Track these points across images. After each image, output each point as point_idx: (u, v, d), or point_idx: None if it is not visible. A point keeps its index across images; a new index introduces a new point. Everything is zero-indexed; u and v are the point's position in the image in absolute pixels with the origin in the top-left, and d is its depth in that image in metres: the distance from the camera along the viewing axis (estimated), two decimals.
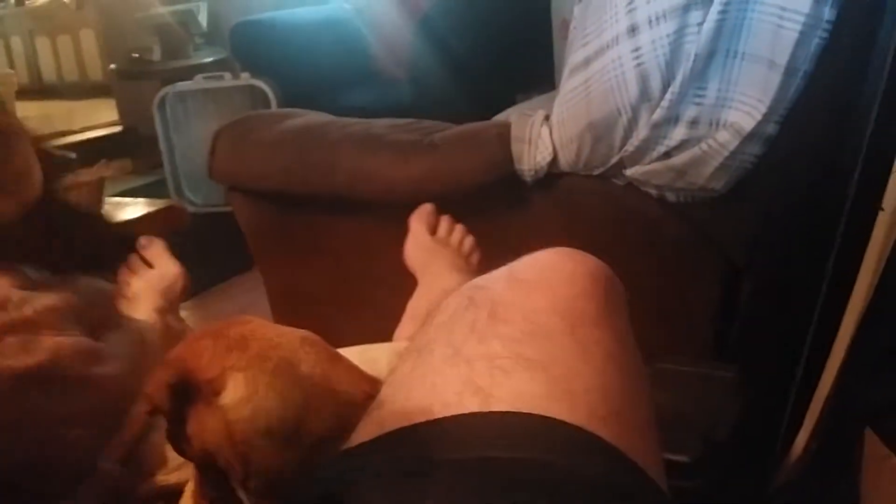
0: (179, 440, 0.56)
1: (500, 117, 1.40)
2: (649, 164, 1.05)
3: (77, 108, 5.47)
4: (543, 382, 0.42)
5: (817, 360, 1.02)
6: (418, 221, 1.07)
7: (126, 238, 1.12)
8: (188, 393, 0.54)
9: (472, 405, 0.41)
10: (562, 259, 0.53)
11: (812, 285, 1.02)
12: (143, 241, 1.09)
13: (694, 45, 0.97)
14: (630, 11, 1.00)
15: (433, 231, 1.06)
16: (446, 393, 0.43)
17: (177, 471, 0.73)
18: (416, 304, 0.97)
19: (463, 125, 1.25)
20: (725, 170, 1.00)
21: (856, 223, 0.95)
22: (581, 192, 1.14)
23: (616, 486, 0.38)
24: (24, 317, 0.69)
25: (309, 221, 1.35)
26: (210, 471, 0.56)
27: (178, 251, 1.13)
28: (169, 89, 2.97)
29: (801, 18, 0.93)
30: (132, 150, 4.18)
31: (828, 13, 0.93)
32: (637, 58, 1.00)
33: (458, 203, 1.20)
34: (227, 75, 2.94)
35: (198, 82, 2.94)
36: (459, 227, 1.07)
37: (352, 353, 0.60)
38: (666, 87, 1.00)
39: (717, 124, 0.99)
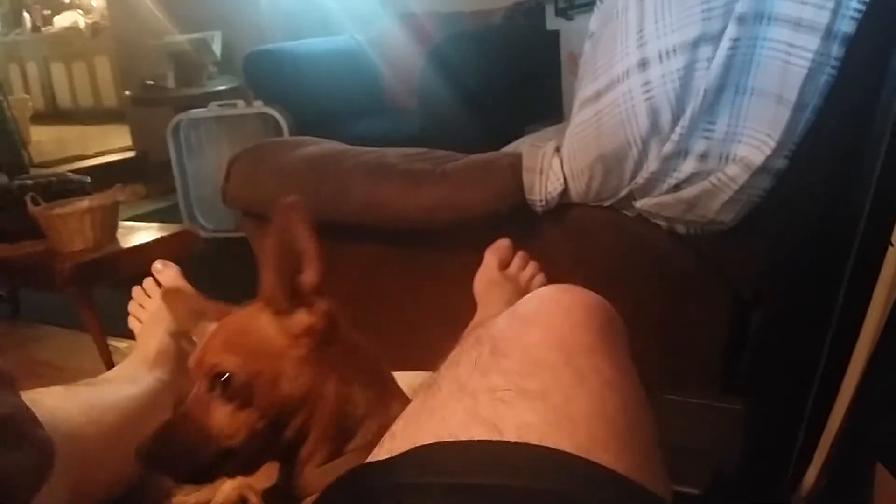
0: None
1: (510, 148, 1.42)
2: (659, 196, 1.06)
3: (91, 133, 5.54)
4: (543, 412, 0.44)
5: (827, 393, 1.02)
6: (492, 254, 1.11)
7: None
8: None
9: (478, 435, 0.42)
10: (557, 294, 0.54)
11: (821, 319, 1.02)
12: (157, 265, 1.11)
13: (704, 79, 0.98)
14: (640, 46, 1.02)
15: (506, 265, 1.09)
16: (453, 425, 0.44)
17: (195, 492, 0.74)
18: (467, 335, 1.00)
19: (474, 155, 1.27)
20: (735, 203, 1.01)
21: (866, 258, 0.95)
22: (591, 222, 1.15)
23: None
24: None
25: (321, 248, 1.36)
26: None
27: (190, 276, 1.14)
28: (183, 116, 3.01)
29: (810, 55, 0.94)
30: (144, 176, 4.24)
31: (836, 50, 0.94)
32: (647, 91, 1.01)
33: (469, 232, 1.22)
34: (241, 103, 2.98)
35: (211, 109, 2.98)
36: (532, 265, 1.10)
37: None
38: (676, 120, 1.01)
39: (727, 158, 1.01)
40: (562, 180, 1.14)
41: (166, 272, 1.09)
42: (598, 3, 1.15)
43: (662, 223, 1.10)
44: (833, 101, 0.96)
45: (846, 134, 0.98)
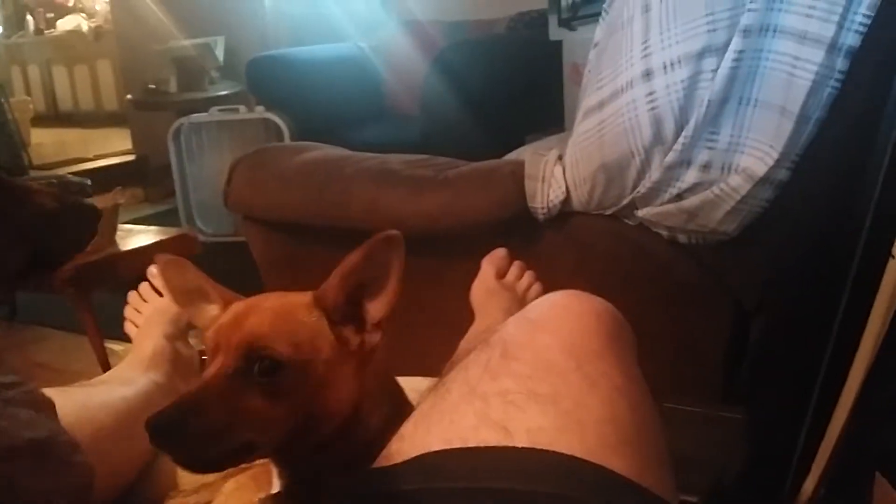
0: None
1: (512, 156, 1.42)
2: (661, 205, 1.07)
3: (91, 136, 5.54)
4: (554, 415, 0.44)
5: (827, 403, 1.02)
6: (489, 263, 1.12)
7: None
8: None
9: (489, 437, 0.42)
10: (567, 300, 0.55)
11: (822, 329, 1.02)
12: (153, 269, 1.10)
13: (707, 90, 0.99)
14: (645, 56, 1.02)
15: (502, 274, 1.10)
16: (463, 427, 0.44)
17: (194, 494, 0.74)
18: (465, 344, 1.01)
19: (476, 163, 1.27)
20: (737, 213, 1.01)
21: (867, 269, 0.96)
22: (593, 231, 1.16)
23: None
24: None
25: (321, 253, 1.36)
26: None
27: None
28: (184, 120, 3.02)
29: (814, 68, 0.95)
30: (144, 179, 4.24)
31: (840, 63, 0.95)
32: (651, 102, 1.02)
33: (470, 239, 1.22)
34: (242, 108, 2.98)
35: (213, 114, 2.99)
36: (529, 275, 1.11)
37: None
38: (679, 131, 1.01)
39: (729, 169, 1.01)
40: (564, 188, 1.14)
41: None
42: (604, 13, 1.15)
43: (664, 233, 1.10)
44: (836, 114, 0.97)
45: (849, 146, 0.98)
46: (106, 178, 3.27)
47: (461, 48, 2.82)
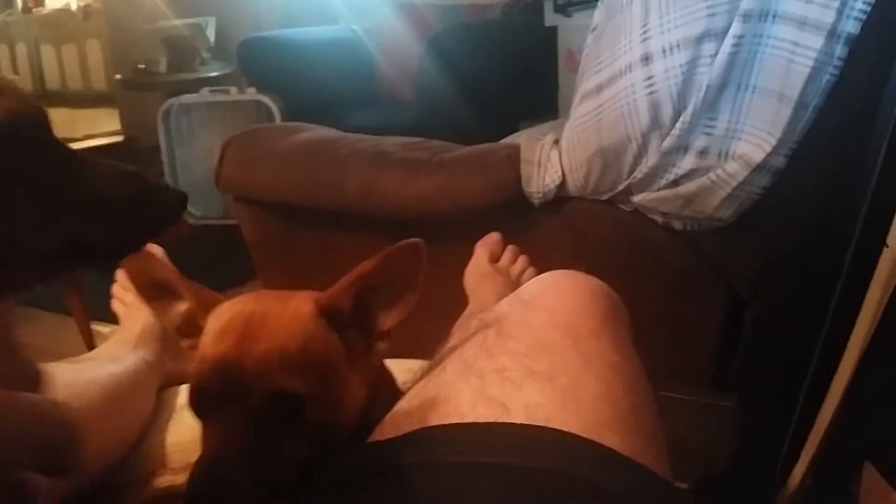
0: None
1: (508, 140, 1.41)
2: (657, 191, 1.06)
3: (79, 116, 5.48)
4: (551, 392, 0.44)
5: (817, 392, 1.03)
6: (482, 247, 1.11)
7: None
8: None
9: (487, 413, 0.42)
10: (561, 279, 0.55)
11: (815, 318, 1.02)
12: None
13: (706, 76, 0.98)
14: (644, 41, 1.02)
15: (496, 258, 1.09)
16: (460, 403, 0.44)
17: (184, 471, 0.72)
18: (460, 325, 1.00)
19: (472, 146, 1.26)
20: (733, 200, 1.01)
21: (861, 259, 0.96)
22: (588, 216, 1.15)
23: (646, 498, 0.39)
24: None
25: (314, 235, 1.36)
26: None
27: (176, 261, 1.13)
28: (174, 101, 2.99)
29: (814, 54, 0.94)
30: (132, 161, 4.17)
31: (839, 50, 0.94)
32: (650, 86, 1.01)
33: (465, 223, 1.21)
34: (233, 89, 2.96)
35: (204, 95, 2.96)
36: (522, 259, 1.10)
37: None
38: (677, 116, 1.01)
39: (727, 155, 1.00)
40: (560, 173, 1.13)
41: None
42: None
43: (659, 219, 1.10)
44: (834, 102, 0.96)
45: (846, 134, 0.98)
46: None
47: (455, 32, 2.80)
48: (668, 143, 1.02)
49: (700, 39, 0.98)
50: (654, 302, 1.11)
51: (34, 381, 0.64)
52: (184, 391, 0.89)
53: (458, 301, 1.11)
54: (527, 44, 2.83)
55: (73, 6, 6.06)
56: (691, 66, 0.99)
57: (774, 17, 0.97)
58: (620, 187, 1.09)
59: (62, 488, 0.62)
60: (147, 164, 3.96)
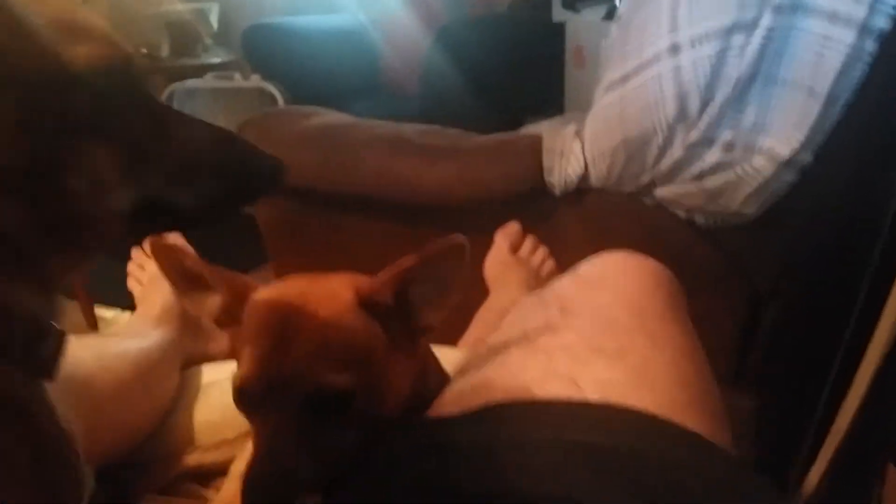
0: None
1: (533, 128, 1.40)
2: (681, 184, 1.05)
3: None
4: (622, 371, 0.43)
5: (838, 392, 1.02)
6: (502, 237, 1.11)
7: None
8: None
9: (557, 390, 0.41)
10: (624, 260, 0.54)
11: (837, 316, 1.02)
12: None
13: (735, 68, 0.97)
14: (673, 31, 1.01)
15: (516, 248, 1.08)
16: (527, 380, 0.43)
17: (215, 450, 0.71)
18: (483, 315, 1.00)
19: (492, 134, 1.25)
20: (759, 195, 1.00)
21: (887, 257, 0.95)
22: (609, 208, 1.14)
23: (730, 483, 0.38)
24: None
25: (329, 220, 1.34)
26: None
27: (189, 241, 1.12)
28: (178, 86, 2.96)
29: (845, 49, 0.94)
30: None
31: (870, 45, 0.94)
32: (677, 77, 1.00)
33: (482, 211, 1.20)
34: (237, 76, 2.94)
35: (207, 80, 2.94)
36: (542, 250, 1.09)
37: None
38: (704, 108, 1.00)
39: (752, 149, 1.00)
40: (582, 163, 1.12)
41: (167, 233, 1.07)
42: None
43: (682, 213, 1.09)
44: (863, 97, 0.96)
45: (874, 131, 0.98)
46: None
47: (463, 26, 2.79)
48: (693, 135, 1.01)
49: (730, 31, 0.97)
50: None
51: None
52: (207, 370, 0.88)
53: (476, 288, 1.10)
54: (534, 39, 2.82)
55: None
56: (720, 57, 0.98)
57: (805, 10, 0.96)
58: (644, 180, 1.08)
59: None
60: None
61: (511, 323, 0.51)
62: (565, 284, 0.51)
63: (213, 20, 3.65)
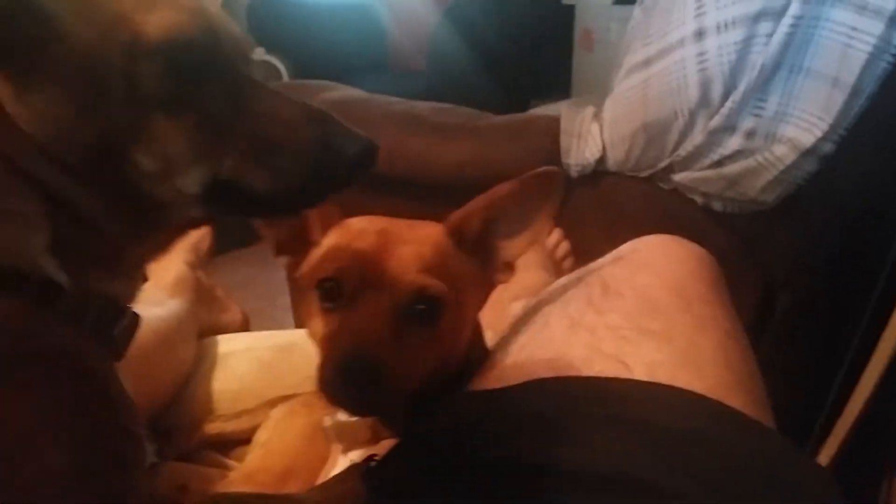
0: None
1: (539, 111, 1.40)
2: (700, 170, 1.05)
3: None
4: (669, 352, 0.43)
5: (848, 382, 1.03)
6: None
7: None
8: None
9: (604, 369, 0.41)
10: (668, 242, 0.54)
11: (851, 307, 1.02)
12: None
13: (761, 55, 0.97)
14: (699, 16, 1.00)
15: None
16: (573, 356, 0.43)
17: (235, 419, 0.71)
18: (499, 294, 0.99)
19: (509, 114, 1.24)
20: (779, 183, 1.00)
21: None
22: (625, 192, 1.14)
23: (782, 464, 0.38)
24: None
25: (340, 197, 1.33)
26: None
27: None
28: None
29: (872, 41, 0.93)
30: None
31: None
32: (701, 62, 1.00)
33: None
34: None
35: None
36: (558, 231, 1.09)
37: None
38: (727, 94, 0.99)
39: (774, 138, 0.99)
40: (600, 146, 1.12)
41: None
42: None
43: (699, 199, 1.09)
44: (888, 89, 0.95)
45: None
46: None
47: (472, 5, 2.77)
48: (715, 121, 1.00)
49: (757, 18, 0.97)
50: None
51: None
52: (223, 341, 0.87)
53: None
54: (543, 21, 2.81)
55: None
56: (746, 44, 0.97)
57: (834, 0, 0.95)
58: (662, 164, 1.08)
59: None
60: None
61: (548, 301, 0.51)
62: (606, 265, 0.51)
63: None
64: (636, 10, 1.15)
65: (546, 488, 0.35)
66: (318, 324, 0.55)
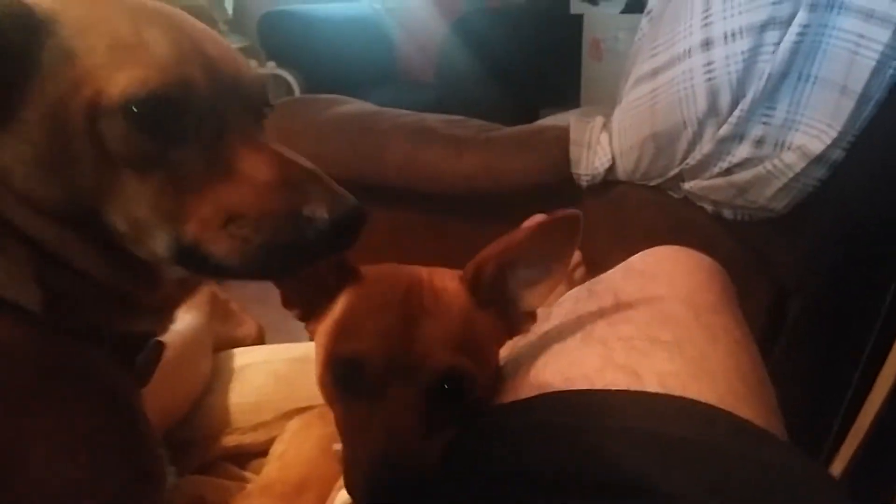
0: None
1: (548, 121, 1.40)
2: (709, 179, 1.06)
3: None
4: (681, 363, 0.43)
5: (861, 389, 1.02)
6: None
7: None
8: None
9: (617, 380, 0.42)
10: (677, 254, 0.54)
11: (862, 315, 1.02)
12: None
13: (768, 64, 0.97)
14: (706, 25, 1.01)
15: None
16: (585, 368, 0.43)
17: (252, 432, 0.72)
18: None
19: (519, 126, 1.25)
20: (788, 191, 1.01)
21: None
22: (634, 201, 1.14)
23: (794, 475, 0.38)
24: None
25: None
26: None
27: None
28: None
29: (879, 48, 0.93)
30: None
31: None
32: (709, 72, 1.00)
33: (508, 202, 1.20)
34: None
35: None
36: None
37: None
38: (735, 103, 1.00)
39: (783, 145, 1.00)
40: (609, 156, 1.12)
41: None
42: None
43: (709, 207, 1.09)
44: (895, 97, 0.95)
45: None
46: None
47: (480, 16, 2.79)
48: (724, 130, 1.01)
49: (764, 27, 0.97)
50: None
51: None
52: (239, 354, 0.88)
53: None
54: (551, 31, 2.82)
55: None
56: (753, 53, 0.98)
57: (841, 8, 0.96)
58: (671, 173, 1.09)
59: None
60: None
61: (560, 314, 0.52)
62: (617, 277, 0.52)
63: (228, 6, 3.65)
64: (643, 21, 1.16)
65: (577, 499, 0.35)
66: (340, 410, 0.52)
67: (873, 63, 0.94)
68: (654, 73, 1.07)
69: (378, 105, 2.10)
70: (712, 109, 1.01)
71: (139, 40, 0.43)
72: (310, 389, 0.78)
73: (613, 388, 0.40)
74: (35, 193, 0.42)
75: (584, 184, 1.14)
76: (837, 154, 0.98)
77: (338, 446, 0.58)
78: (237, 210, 0.44)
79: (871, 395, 1.00)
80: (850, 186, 0.99)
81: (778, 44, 0.97)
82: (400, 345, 0.49)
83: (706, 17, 1.01)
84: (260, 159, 0.46)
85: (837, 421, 1.05)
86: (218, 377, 0.82)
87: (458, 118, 1.32)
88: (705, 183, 1.06)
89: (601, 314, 0.48)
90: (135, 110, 0.42)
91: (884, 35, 0.93)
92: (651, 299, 0.48)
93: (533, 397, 0.43)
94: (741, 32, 0.98)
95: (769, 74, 0.97)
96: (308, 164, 0.48)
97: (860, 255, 1.01)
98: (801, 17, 0.95)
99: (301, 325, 0.62)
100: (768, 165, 1.00)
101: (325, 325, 0.56)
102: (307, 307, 0.60)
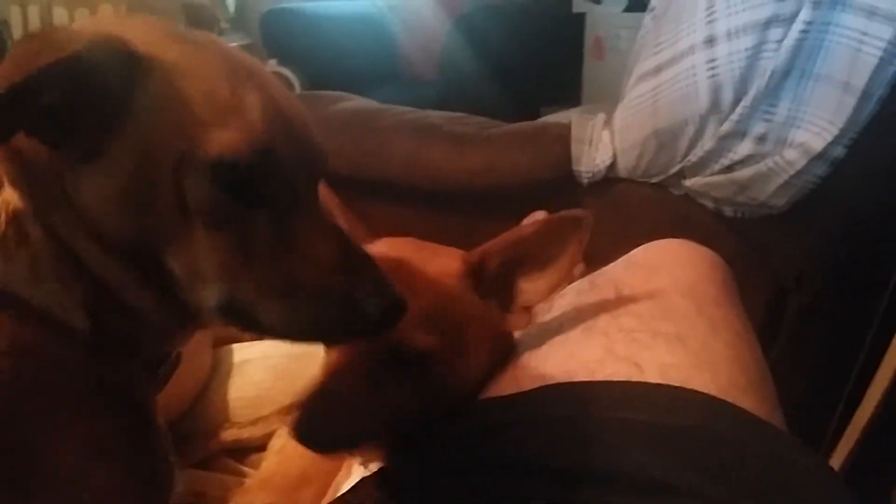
0: None
1: (550, 118, 1.40)
2: (710, 175, 1.05)
3: None
4: (683, 354, 0.43)
5: (859, 385, 1.02)
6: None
7: None
8: None
9: (617, 371, 0.42)
10: (678, 247, 0.54)
11: (861, 311, 1.02)
12: None
13: (771, 61, 0.97)
14: (709, 23, 1.01)
15: None
16: (586, 359, 0.43)
17: (251, 426, 0.72)
18: None
19: (521, 123, 1.25)
20: (789, 188, 1.00)
21: None
22: (635, 198, 1.14)
23: (797, 465, 0.38)
24: None
25: (355, 206, 1.34)
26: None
27: None
28: None
29: (882, 45, 0.93)
30: None
31: None
32: (712, 69, 1.00)
33: (510, 199, 1.20)
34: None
35: None
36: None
37: None
38: (737, 100, 1.00)
39: (785, 142, 1.00)
40: (611, 153, 1.12)
41: None
42: None
43: (709, 204, 1.09)
44: None
45: None
46: None
47: (483, 14, 2.79)
48: (726, 127, 1.01)
49: (767, 24, 0.97)
50: None
51: None
52: (238, 349, 0.88)
53: None
54: (553, 29, 2.81)
55: None
56: (756, 50, 0.98)
57: (844, 5, 0.95)
58: (673, 170, 1.08)
59: None
60: None
61: (562, 306, 0.52)
62: (619, 269, 0.52)
63: (230, 4, 3.65)
64: (646, 18, 1.16)
65: (580, 490, 0.35)
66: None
67: (876, 60, 0.93)
68: (657, 70, 1.07)
69: (380, 102, 2.10)
70: (714, 106, 1.01)
71: (237, 101, 0.43)
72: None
73: (615, 379, 0.41)
74: (107, 229, 0.43)
75: (585, 181, 1.14)
76: (839, 151, 0.98)
77: None
78: (297, 282, 0.45)
79: (870, 390, 1.00)
80: (851, 183, 0.99)
81: (781, 41, 0.97)
82: None
83: (710, 15, 1.01)
84: (324, 235, 0.47)
85: (836, 415, 1.05)
86: (218, 372, 0.83)
87: (461, 115, 1.32)
88: (706, 180, 1.06)
89: (603, 306, 0.48)
90: (223, 172, 0.42)
91: (887, 32, 0.93)
92: (653, 292, 0.48)
93: (534, 389, 0.43)
94: (745, 29, 0.98)
95: (772, 71, 0.97)
96: (363, 247, 0.49)
97: (860, 251, 1.01)
98: (804, 14, 0.95)
99: None
100: (770, 162, 1.00)
101: None
102: None
